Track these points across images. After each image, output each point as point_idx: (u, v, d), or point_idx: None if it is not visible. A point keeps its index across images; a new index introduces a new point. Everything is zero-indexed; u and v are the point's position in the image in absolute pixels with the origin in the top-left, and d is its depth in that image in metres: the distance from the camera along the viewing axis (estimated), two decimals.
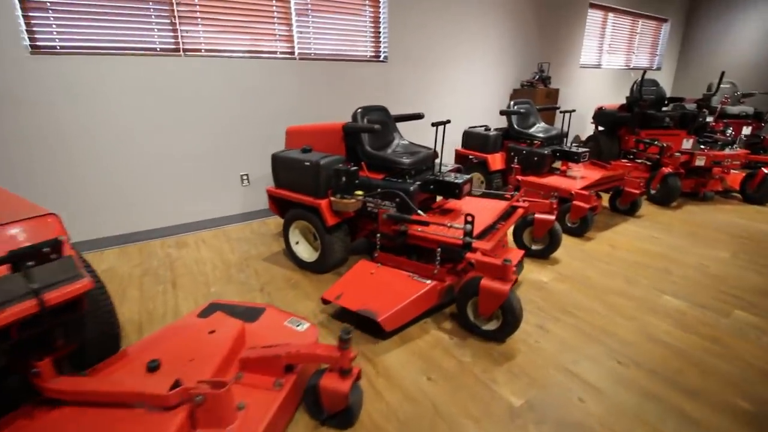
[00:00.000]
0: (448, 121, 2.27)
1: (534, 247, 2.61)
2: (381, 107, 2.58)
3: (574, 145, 3.48)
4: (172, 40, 2.87)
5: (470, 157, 3.77)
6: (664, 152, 3.92)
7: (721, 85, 6.25)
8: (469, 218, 1.81)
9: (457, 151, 3.94)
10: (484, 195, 2.58)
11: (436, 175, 2.27)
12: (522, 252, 2.23)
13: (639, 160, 4.33)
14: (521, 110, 3.58)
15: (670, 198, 3.65)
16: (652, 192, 3.79)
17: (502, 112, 3.57)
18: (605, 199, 3.75)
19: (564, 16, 5.11)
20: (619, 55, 6.31)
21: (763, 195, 3.70)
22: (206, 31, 2.98)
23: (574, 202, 2.90)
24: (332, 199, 2.17)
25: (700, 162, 3.72)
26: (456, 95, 4.41)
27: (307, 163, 2.22)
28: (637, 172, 4.15)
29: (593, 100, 6.03)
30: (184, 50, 2.91)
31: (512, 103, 3.69)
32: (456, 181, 2.17)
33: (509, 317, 1.67)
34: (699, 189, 3.90)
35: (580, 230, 2.95)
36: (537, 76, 4.65)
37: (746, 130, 5.42)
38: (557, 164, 3.75)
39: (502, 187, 3.65)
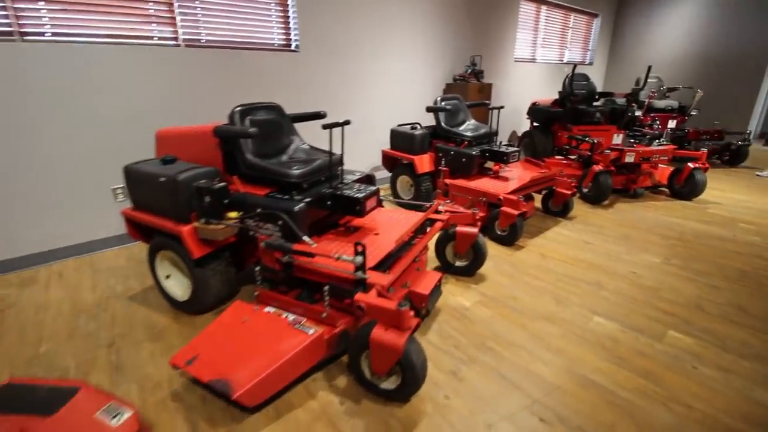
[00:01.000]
0: (347, 122, 1.86)
1: (458, 264, 2.29)
2: (272, 105, 2.12)
3: (503, 144, 3.23)
4: (5, 21, 2.23)
5: (399, 158, 3.42)
6: (594, 149, 3.79)
7: (648, 80, 6.41)
8: (360, 248, 1.43)
9: (383, 152, 3.58)
10: (401, 205, 2.22)
11: (335, 188, 1.87)
12: (438, 276, 1.89)
13: (572, 157, 4.21)
14: (448, 107, 3.27)
15: (601, 196, 3.52)
16: (585, 191, 3.65)
17: (428, 109, 3.23)
18: (538, 199, 3.55)
19: (496, 8, 4.89)
20: (553, 49, 6.26)
21: (689, 190, 3.67)
22: (52, 9, 2.36)
23: (502, 209, 2.62)
24: (195, 224, 1.70)
25: (629, 158, 3.63)
26: (384, 90, 4.03)
27: (162, 179, 1.72)
28: (570, 170, 4.01)
29: (530, 95, 5.92)
30: (22, 34, 2.28)
31: (439, 98, 3.37)
32: (357, 195, 1.78)
33: (409, 375, 1.31)
34: (629, 185, 3.82)
35: (509, 239, 2.69)
36: (469, 70, 4.38)
37: (672, 124, 5.55)
38: (490, 164, 3.49)
39: (432, 191, 3.33)
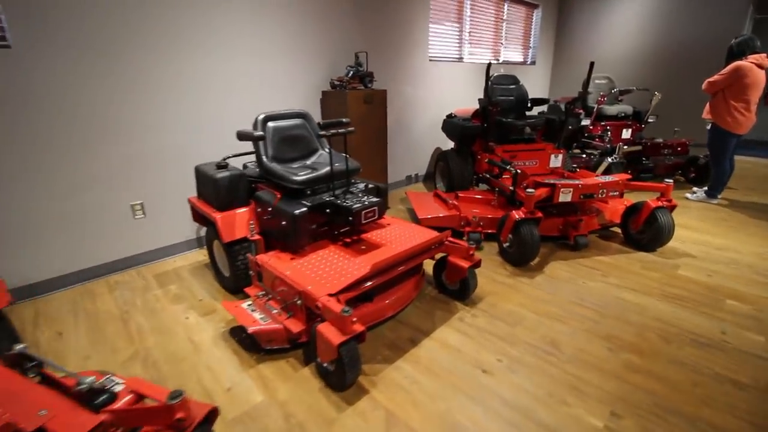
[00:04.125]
0: None
1: None
2: None
3: (358, 189, 2.00)
4: None
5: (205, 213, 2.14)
6: (518, 181, 2.65)
7: (597, 81, 5.40)
8: None
9: (190, 201, 2.29)
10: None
11: None
12: None
13: (497, 190, 3.06)
14: (257, 134, 1.97)
15: (526, 256, 2.35)
16: (505, 246, 2.48)
17: (239, 137, 1.97)
18: (430, 265, 2.33)
19: None
20: (485, 46, 5.16)
21: (650, 237, 2.56)
22: None
23: (318, 329, 1.40)
24: None
25: (565, 197, 2.48)
26: (218, 103, 2.74)
27: None
28: (491, 209, 2.85)
29: (453, 105, 4.77)
30: None
31: (261, 117, 2.11)
32: None
33: None
34: (569, 232, 2.68)
35: (336, 381, 1.45)
36: (351, 73, 3.15)
37: (626, 133, 4.53)
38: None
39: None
